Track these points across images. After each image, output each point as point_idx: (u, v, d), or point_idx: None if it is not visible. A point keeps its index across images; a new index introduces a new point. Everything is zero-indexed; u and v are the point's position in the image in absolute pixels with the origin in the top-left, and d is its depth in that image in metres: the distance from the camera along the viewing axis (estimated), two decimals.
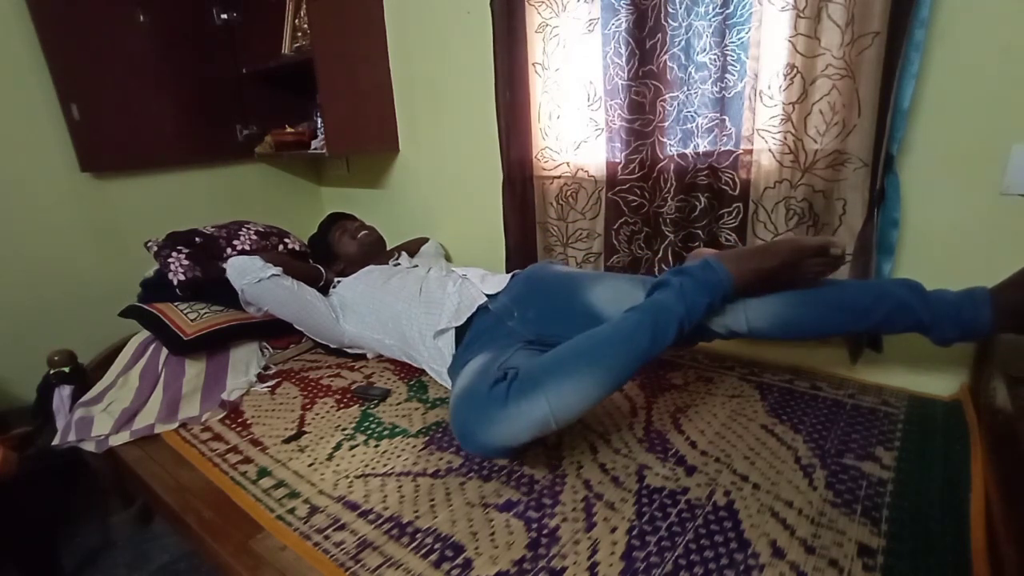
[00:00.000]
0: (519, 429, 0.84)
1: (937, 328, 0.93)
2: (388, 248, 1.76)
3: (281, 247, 1.72)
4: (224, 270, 1.52)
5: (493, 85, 1.51)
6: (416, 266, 1.51)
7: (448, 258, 1.91)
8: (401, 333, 1.31)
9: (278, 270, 1.41)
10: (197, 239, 1.57)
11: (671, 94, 1.27)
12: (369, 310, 1.39)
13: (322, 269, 1.59)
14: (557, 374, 0.86)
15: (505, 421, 0.84)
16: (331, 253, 1.65)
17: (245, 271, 1.39)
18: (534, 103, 1.50)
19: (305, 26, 1.75)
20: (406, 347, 1.32)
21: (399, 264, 1.57)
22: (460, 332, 1.20)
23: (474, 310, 1.21)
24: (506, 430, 0.84)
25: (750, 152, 1.23)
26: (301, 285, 1.44)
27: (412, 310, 1.30)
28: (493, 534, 0.83)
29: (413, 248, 1.79)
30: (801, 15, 1.08)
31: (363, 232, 1.64)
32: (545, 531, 0.82)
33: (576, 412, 0.87)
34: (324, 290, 1.54)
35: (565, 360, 0.89)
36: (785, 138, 1.16)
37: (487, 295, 1.24)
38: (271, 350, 1.58)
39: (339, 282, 1.52)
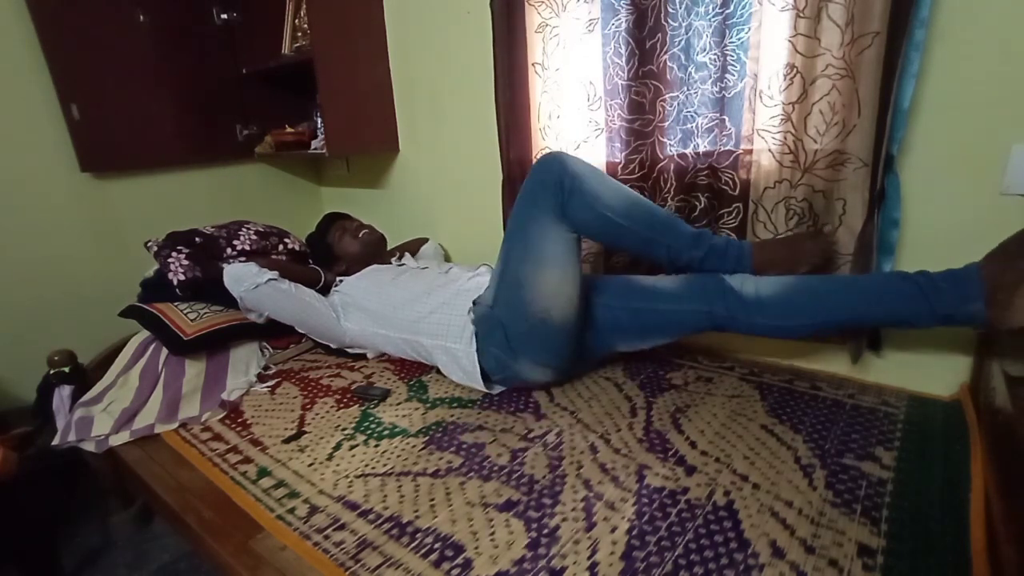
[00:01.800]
0: (574, 158, 1.13)
1: (932, 287, 0.95)
2: (388, 247, 1.76)
3: (281, 247, 1.72)
4: (223, 270, 1.52)
5: (493, 85, 1.51)
6: (426, 268, 1.50)
7: (448, 259, 1.91)
8: (413, 321, 1.31)
9: (274, 274, 1.41)
10: (197, 239, 1.57)
11: (671, 94, 1.27)
12: (376, 305, 1.39)
13: (320, 271, 1.59)
14: None
15: (569, 155, 1.13)
16: (331, 254, 1.65)
17: (242, 278, 1.39)
18: (534, 103, 1.50)
19: (305, 26, 1.75)
20: (416, 335, 1.31)
21: (404, 264, 1.57)
22: None
23: None
24: (568, 155, 1.12)
25: (750, 152, 1.23)
26: (299, 287, 1.44)
27: (434, 295, 1.30)
28: (493, 534, 0.83)
29: (413, 248, 1.79)
30: (801, 15, 1.08)
31: (364, 231, 1.64)
32: (545, 531, 0.82)
33: (605, 183, 1.12)
34: (325, 291, 1.54)
35: None
36: (785, 138, 1.16)
37: None
38: (271, 350, 1.58)
39: (342, 281, 1.52)
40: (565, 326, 1.16)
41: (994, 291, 0.91)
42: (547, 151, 1.17)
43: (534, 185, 1.13)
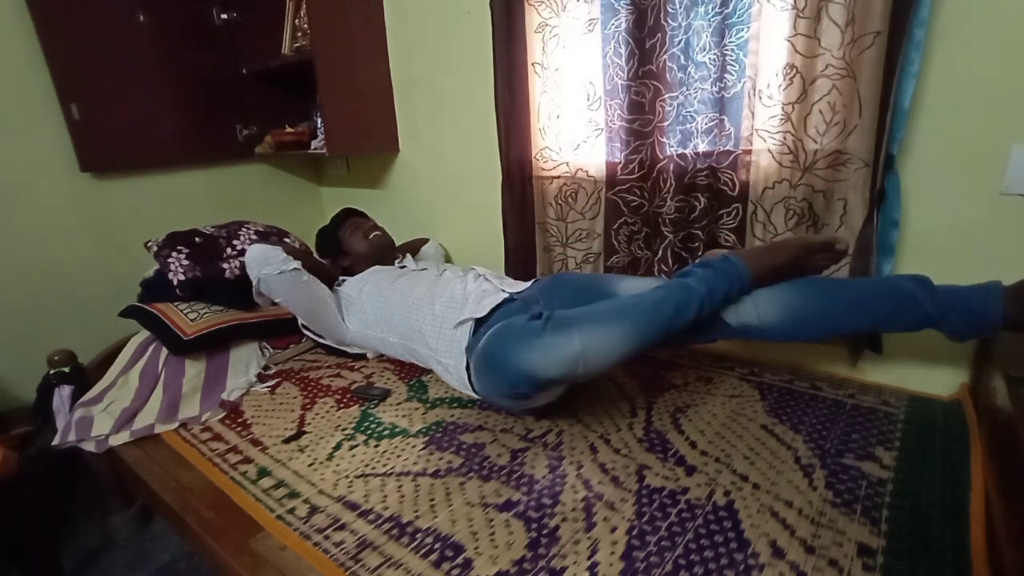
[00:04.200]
0: (551, 360, 0.91)
1: (945, 321, 0.93)
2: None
3: (281, 246, 1.72)
4: (224, 270, 1.52)
5: (493, 85, 1.51)
6: (424, 269, 1.50)
7: (448, 259, 1.91)
8: (409, 329, 1.31)
9: (298, 264, 1.39)
10: (197, 239, 1.57)
11: (670, 94, 1.27)
12: (374, 308, 1.39)
13: (330, 267, 1.58)
14: (590, 321, 0.95)
15: (540, 348, 0.92)
16: (339, 247, 1.62)
17: (267, 260, 1.36)
18: (533, 103, 1.50)
19: (305, 26, 1.75)
20: (412, 343, 1.31)
21: (404, 267, 1.56)
22: (478, 326, 1.19)
23: (499, 302, 1.20)
24: (539, 357, 0.91)
25: (749, 152, 1.23)
26: (316, 281, 1.43)
27: (426, 305, 1.30)
28: (493, 534, 0.83)
29: (414, 248, 1.79)
30: (801, 15, 1.08)
31: (375, 233, 1.61)
32: (545, 531, 0.82)
33: (603, 359, 0.93)
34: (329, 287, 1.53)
35: (597, 313, 0.98)
36: (784, 138, 1.16)
37: (511, 293, 1.25)
38: (271, 350, 1.58)
39: (344, 280, 1.52)
40: (558, 399, 1.14)
41: (1017, 325, 0.90)
42: (501, 336, 0.99)
43: (505, 394, 1.00)
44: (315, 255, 1.69)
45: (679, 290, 1.00)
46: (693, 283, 1.00)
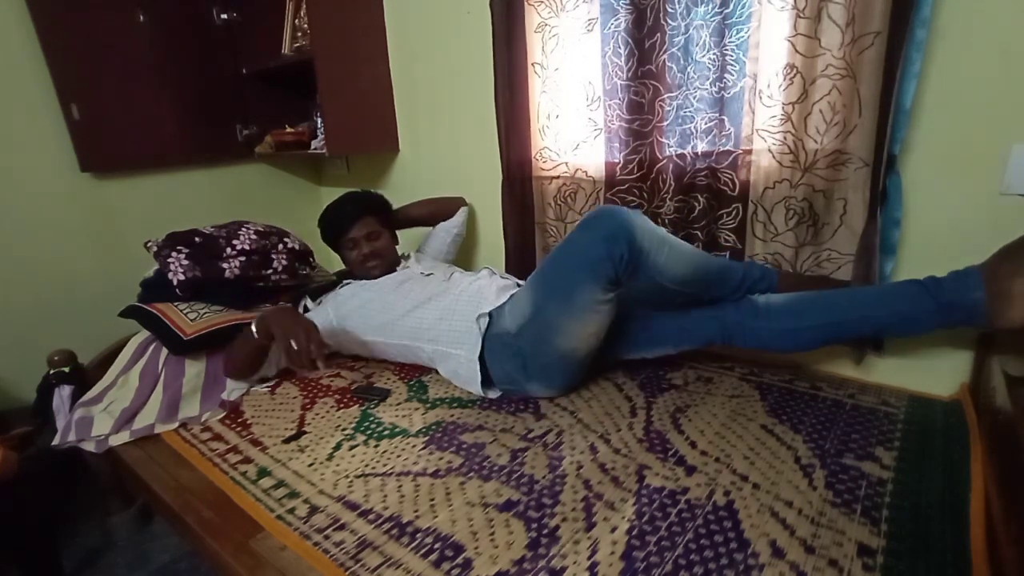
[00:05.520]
0: (647, 229, 1.06)
1: (934, 284, 0.98)
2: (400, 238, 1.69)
3: (280, 246, 1.69)
4: (223, 270, 1.52)
5: (493, 85, 1.51)
6: (431, 274, 1.47)
7: (473, 215, 1.81)
8: (413, 330, 1.30)
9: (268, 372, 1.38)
10: (197, 239, 1.57)
11: (670, 94, 1.27)
12: (376, 313, 1.38)
13: (246, 318, 1.43)
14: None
15: (640, 219, 1.06)
16: (337, 250, 1.59)
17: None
18: (533, 103, 1.51)
19: (305, 26, 1.75)
20: (416, 341, 1.31)
21: (407, 268, 1.55)
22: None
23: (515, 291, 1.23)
24: (640, 223, 1.05)
25: (749, 152, 1.23)
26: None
27: (434, 303, 1.30)
28: (493, 534, 0.83)
29: (443, 212, 1.68)
30: (801, 15, 1.08)
31: (372, 264, 1.52)
32: (545, 531, 0.82)
33: (678, 258, 1.09)
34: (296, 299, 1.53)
35: None
36: (785, 138, 1.16)
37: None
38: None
39: (347, 283, 1.51)
40: (587, 358, 1.19)
41: (992, 280, 0.94)
42: (608, 207, 1.10)
43: (596, 255, 1.04)
44: (311, 258, 1.67)
45: (727, 259, 1.26)
46: (739, 260, 1.25)
